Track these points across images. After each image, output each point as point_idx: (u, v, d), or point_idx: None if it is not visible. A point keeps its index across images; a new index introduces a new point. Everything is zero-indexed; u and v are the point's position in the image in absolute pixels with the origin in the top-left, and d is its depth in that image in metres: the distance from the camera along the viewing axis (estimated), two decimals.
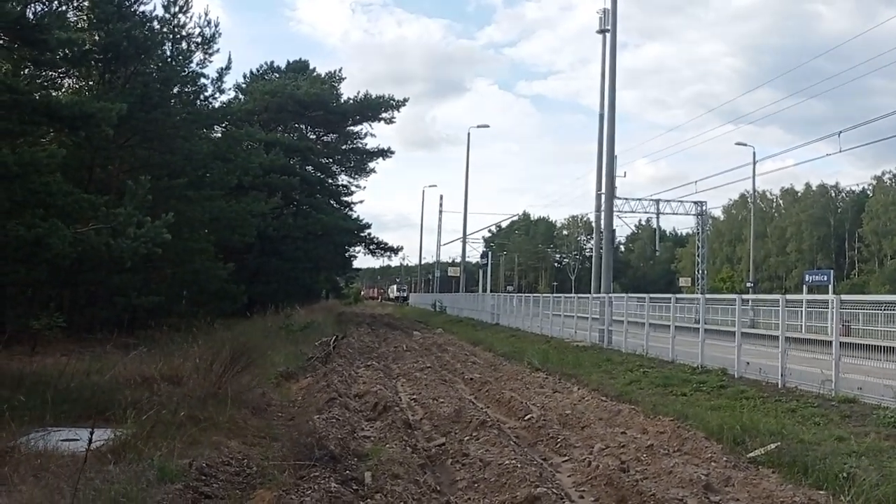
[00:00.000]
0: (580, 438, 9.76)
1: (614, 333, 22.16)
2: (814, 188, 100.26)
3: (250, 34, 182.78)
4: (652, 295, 20.28)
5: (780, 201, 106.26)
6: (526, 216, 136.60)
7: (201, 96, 28.20)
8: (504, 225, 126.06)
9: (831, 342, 12.06)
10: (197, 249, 24.38)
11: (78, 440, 8.00)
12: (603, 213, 25.49)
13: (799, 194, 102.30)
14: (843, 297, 11.95)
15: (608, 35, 28.51)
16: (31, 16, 20.97)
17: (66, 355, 14.89)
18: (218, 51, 27.29)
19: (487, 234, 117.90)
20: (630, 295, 22.97)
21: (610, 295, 23.39)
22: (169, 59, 25.45)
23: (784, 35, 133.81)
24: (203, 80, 27.75)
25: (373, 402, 11.47)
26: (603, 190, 25.79)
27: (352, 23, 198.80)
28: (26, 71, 20.02)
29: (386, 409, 10.88)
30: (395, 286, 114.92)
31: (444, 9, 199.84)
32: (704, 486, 7.11)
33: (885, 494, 6.66)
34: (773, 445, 8.78)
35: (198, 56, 26.85)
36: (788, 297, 14.56)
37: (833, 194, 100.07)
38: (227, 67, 30.79)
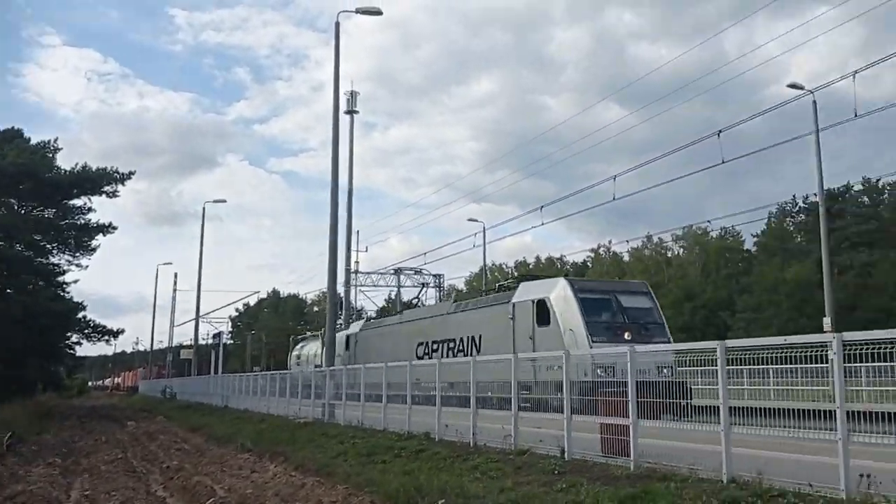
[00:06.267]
0: None
1: (336, 407, 21.82)
2: (542, 260, 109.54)
3: None
4: (368, 365, 20.32)
5: (515, 272, 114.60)
6: (275, 293, 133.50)
7: None
8: (252, 303, 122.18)
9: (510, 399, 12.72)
10: None
11: None
12: (327, 287, 25.45)
13: (531, 266, 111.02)
14: (519, 356, 12.74)
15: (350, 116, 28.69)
16: None
17: None
18: None
19: (234, 313, 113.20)
20: (348, 367, 22.85)
21: (331, 368, 23.16)
22: None
23: (517, 121, 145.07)
24: None
25: None
26: (327, 263, 25.70)
27: (87, 92, 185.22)
28: None
29: None
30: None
31: (190, 83, 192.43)
32: None
33: None
34: (438, 503, 8.86)
35: None
36: (478, 358, 15.18)
37: (559, 266, 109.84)
38: None
